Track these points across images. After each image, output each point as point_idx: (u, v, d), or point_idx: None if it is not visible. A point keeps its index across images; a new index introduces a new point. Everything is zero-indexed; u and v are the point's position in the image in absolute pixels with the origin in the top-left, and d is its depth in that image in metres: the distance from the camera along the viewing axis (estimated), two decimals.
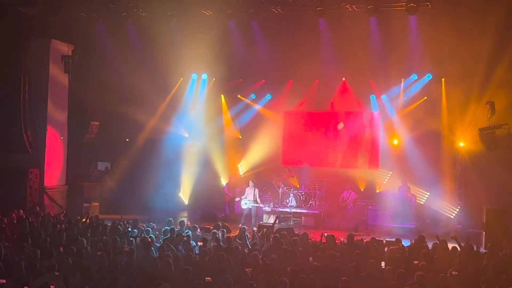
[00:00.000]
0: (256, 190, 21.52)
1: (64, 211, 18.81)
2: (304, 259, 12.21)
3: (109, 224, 15.71)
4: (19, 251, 12.02)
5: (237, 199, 22.20)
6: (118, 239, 13.53)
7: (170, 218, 16.56)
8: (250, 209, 21.36)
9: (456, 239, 13.73)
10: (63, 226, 15.30)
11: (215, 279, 10.07)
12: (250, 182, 21.95)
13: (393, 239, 14.68)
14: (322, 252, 12.64)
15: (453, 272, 10.84)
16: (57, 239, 13.30)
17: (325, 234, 14.66)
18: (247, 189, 21.76)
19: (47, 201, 21.00)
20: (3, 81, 20.36)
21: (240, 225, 17.67)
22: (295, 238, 14.34)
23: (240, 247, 13.38)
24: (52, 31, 20.84)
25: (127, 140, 24.03)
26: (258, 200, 21.43)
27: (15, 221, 15.76)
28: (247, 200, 21.43)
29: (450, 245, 13.57)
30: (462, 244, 13.41)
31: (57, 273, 10.15)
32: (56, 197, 21.44)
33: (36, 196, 20.69)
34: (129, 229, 15.38)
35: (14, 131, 20.34)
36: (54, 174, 21.62)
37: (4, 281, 9.59)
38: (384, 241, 14.31)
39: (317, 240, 15.02)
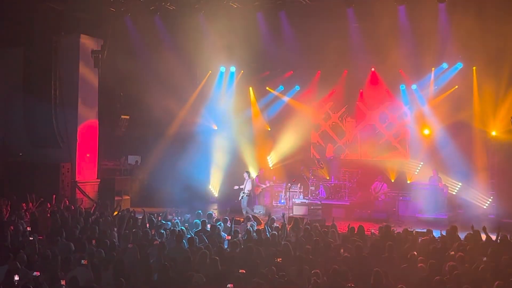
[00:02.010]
0: (249, 181, 21.07)
1: (95, 205, 19.02)
2: (335, 250, 12.15)
3: (139, 217, 15.84)
4: (52, 244, 12.17)
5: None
6: (150, 231, 13.64)
7: (199, 211, 16.60)
8: (244, 201, 20.92)
9: (484, 230, 13.54)
10: (95, 219, 15.45)
11: (247, 270, 10.07)
12: (245, 173, 21.48)
13: (424, 230, 14.55)
14: (352, 243, 12.56)
15: (483, 258, 10.76)
16: (90, 232, 13.44)
17: (349, 225, 14.63)
18: (244, 182, 21.25)
19: (79, 195, 21.26)
20: (34, 77, 20.62)
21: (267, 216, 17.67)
22: (325, 229, 14.27)
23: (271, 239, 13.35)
24: (81, 27, 21.04)
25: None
26: (245, 190, 20.89)
27: (48, 215, 15.96)
28: (241, 193, 21.01)
29: (483, 236, 13.39)
30: (491, 235, 13.23)
31: (84, 262, 10.24)
32: (88, 191, 21.70)
33: (68, 190, 20.98)
34: (163, 222, 15.47)
35: (46, 126, 20.60)
36: (85, 168, 21.88)
37: (39, 274, 9.71)
38: (414, 232, 14.17)
39: (346, 231, 14.92)
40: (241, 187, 21.24)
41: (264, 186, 23.11)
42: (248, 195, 20.96)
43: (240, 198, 20.96)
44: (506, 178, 20.24)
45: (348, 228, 14.43)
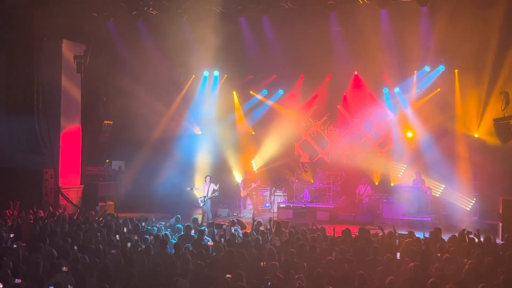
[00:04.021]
0: (212, 185, 20.21)
1: (78, 210, 18.90)
2: (322, 254, 12.15)
3: (120, 222, 15.79)
4: (36, 251, 12.08)
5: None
6: (134, 237, 13.58)
7: (179, 215, 16.48)
8: (206, 206, 20.16)
9: (467, 234, 13.62)
10: (79, 225, 15.33)
11: (232, 274, 10.06)
12: (207, 178, 20.63)
13: (406, 232, 14.57)
14: (338, 246, 12.58)
15: (465, 260, 10.83)
16: (73, 238, 13.34)
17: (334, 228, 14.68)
18: (203, 186, 20.60)
19: (62, 201, 21.13)
20: (17, 82, 20.46)
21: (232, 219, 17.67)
22: (313, 235, 14.24)
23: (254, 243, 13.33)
24: (64, 32, 20.91)
25: None
26: (209, 194, 19.98)
27: (31, 221, 15.84)
28: (202, 197, 20.19)
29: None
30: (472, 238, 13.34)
31: (65, 268, 10.15)
32: (72, 196, 21.57)
33: (52, 196, 20.81)
34: (148, 227, 15.39)
35: (29, 132, 20.43)
36: (69, 174, 21.72)
37: (20, 281, 9.63)
38: (397, 234, 14.22)
39: (331, 234, 14.95)
40: (194, 188, 21.22)
41: (250, 188, 23.06)
42: (210, 199, 20.25)
43: (203, 203, 20.13)
44: (488, 179, 20.36)
45: (333, 232, 14.47)
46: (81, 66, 21.52)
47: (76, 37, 21.40)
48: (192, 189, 21.72)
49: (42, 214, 16.78)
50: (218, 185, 20.23)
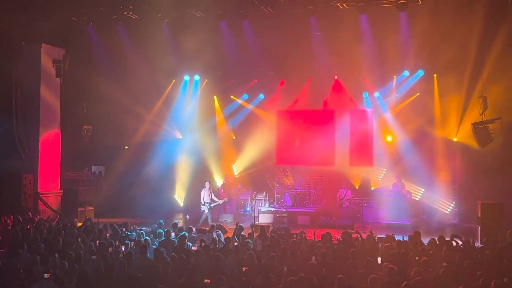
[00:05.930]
0: (211, 191, 20.56)
1: (58, 216, 18.74)
2: (303, 258, 12.16)
3: (102, 227, 15.68)
4: (14, 257, 11.94)
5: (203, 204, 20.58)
6: (114, 242, 13.50)
7: (161, 220, 16.41)
8: (206, 212, 20.30)
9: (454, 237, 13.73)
10: (58, 230, 15.20)
11: (212, 279, 10.04)
12: (206, 183, 20.76)
13: (384, 236, 14.61)
14: (318, 250, 12.60)
15: (444, 263, 10.90)
16: (52, 244, 13.22)
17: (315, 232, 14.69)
18: (202, 191, 20.60)
19: (41, 206, 20.93)
20: None
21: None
22: (293, 240, 14.25)
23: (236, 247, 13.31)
24: (43, 36, 20.75)
25: (126, 147, 24.01)
26: (215, 198, 20.44)
27: (9, 227, 15.67)
28: (207, 204, 20.29)
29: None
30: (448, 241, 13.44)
31: (47, 275, 10.06)
32: (51, 202, 21.38)
33: (31, 201, 20.62)
34: (128, 233, 15.30)
35: (7, 137, 20.24)
36: (48, 179, 21.53)
37: None
38: (376, 238, 14.26)
39: (311, 238, 14.95)
40: (209, 203, 20.36)
41: (229, 192, 23.02)
42: (213, 202, 20.46)
43: (207, 210, 20.24)
44: (467, 183, 20.58)
45: (313, 236, 14.47)
46: (60, 70, 21.37)
47: (55, 41, 21.25)
48: (208, 204, 20.51)
49: (21, 220, 16.62)
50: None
